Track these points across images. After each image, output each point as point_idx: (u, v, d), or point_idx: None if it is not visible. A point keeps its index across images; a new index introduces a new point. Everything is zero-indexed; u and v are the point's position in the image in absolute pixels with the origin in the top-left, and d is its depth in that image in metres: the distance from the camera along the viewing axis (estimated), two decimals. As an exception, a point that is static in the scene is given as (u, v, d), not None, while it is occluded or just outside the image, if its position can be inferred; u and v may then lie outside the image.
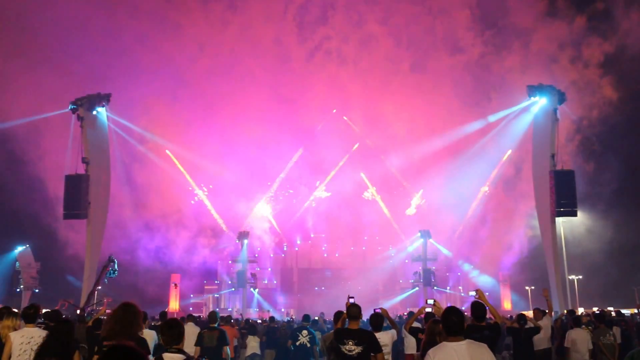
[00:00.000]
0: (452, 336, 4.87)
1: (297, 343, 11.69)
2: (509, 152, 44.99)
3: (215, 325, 10.36)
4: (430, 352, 4.88)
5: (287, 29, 51.57)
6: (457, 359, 4.72)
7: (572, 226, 40.69)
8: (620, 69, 43.17)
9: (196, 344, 9.79)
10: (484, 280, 44.93)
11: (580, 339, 11.08)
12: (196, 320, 14.51)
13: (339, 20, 52.14)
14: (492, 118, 42.58)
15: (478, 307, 7.59)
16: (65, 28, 42.29)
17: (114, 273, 28.30)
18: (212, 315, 10.71)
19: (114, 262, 28.29)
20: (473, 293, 8.14)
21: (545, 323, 12.81)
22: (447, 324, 4.94)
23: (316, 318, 15.73)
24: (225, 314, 29.57)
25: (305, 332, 11.75)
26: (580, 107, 40.89)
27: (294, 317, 33.25)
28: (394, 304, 44.34)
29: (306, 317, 13.09)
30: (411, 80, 50.55)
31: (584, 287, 43.05)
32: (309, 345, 11.60)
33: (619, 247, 42.29)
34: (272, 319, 17.23)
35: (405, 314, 26.08)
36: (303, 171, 54.49)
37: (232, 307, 46.15)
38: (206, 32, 48.83)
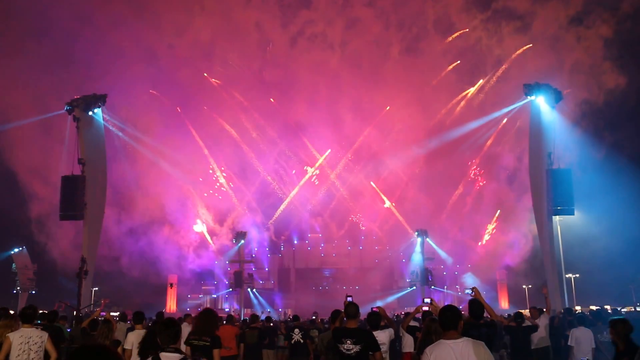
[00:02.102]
0: (448, 331, 4.91)
1: (292, 341, 12.47)
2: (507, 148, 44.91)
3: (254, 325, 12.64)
4: (427, 349, 4.90)
5: (269, 13, 49.80)
6: (454, 356, 4.73)
7: (569, 224, 40.61)
8: (625, 50, 41.93)
9: (240, 342, 11.12)
10: (484, 277, 44.88)
11: (584, 337, 11.08)
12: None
13: (323, 2, 50.42)
14: (489, 117, 42.62)
15: (475, 305, 7.62)
16: (38, 21, 41.35)
17: (85, 274, 28.42)
18: (254, 317, 13.04)
19: (86, 262, 28.41)
20: (469, 291, 8.17)
21: (543, 321, 12.84)
22: (443, 320, 5.01)
23: (313, 318, 16.61)
24: (223, 315, 29.64)
25: (297, 330, 12.61)
26: (585, 90, 40.36)
27: (291, 317, 33.29)
28: (391, 303, 44.37)
29: (295, 317, 14.76)
30: (402, 65, 49.30)
31: (581, 285, 43.03)
32: (302, 341, 12.40)
33: (617, 244, 42.25)
34: (268, 318, 17.26)
35: (403, 313, 26.11)
36: (291, 164, 53.80)
37: (229, 307, 46.15)
38: (184, 17, 46.87)
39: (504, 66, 46.93)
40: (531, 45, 44.23)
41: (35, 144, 40.52)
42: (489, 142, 46.92)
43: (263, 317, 22.40)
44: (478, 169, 48.70)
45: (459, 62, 48.70)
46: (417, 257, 44.05)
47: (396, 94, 48.01)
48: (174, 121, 46.18)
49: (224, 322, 16.94)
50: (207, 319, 7.60)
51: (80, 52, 42.14)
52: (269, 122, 49.81)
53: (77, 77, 40.22)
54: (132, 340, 8.91)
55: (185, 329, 13.59)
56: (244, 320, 19.59)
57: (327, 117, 49.35)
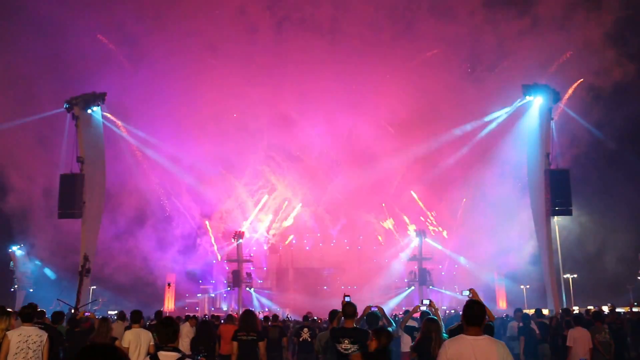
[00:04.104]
0: (472, 327, 4.82)
1: (300, 339, 13.27)
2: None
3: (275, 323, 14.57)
4: (446, 343, 4.86)
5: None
6: (474, 352, 4.67)
7: (567, 224, 40.48)
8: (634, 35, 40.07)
9: (263, 337, 12.22)
10: (482, 278, 44.74)
11: (581, 337, 11.09)
12: (195, 322, 14.74)
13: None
14: (487, 117, 42.45)
15: (473, 305, 7.59)
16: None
17: (87, 273, 28.44)
18: (275, 316, 15.40)
19: (89, 261, 28.42)
20: (467, 293, 8.17)
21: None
22: (469, 314, 4.90)
23: (315, 318, 17.53)
24: (219, 314, 29.66)
25: (306, 329, 13.43)
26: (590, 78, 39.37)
27: (289, 316, 33.29)
28: (389, 303, 44.31)
29: (305, 317, 15.78)
30: (395, 51, 46.97)
31: (579, 285, 42.95)
32: (309, 340, 13.01)
33: (614, 244, 42.21)
34: (266, 318, 17.45)
35: (401, 313, 26.12)
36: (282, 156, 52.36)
37: (227, 306, 46.15)
38: (164, 1, 44.84)
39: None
40: (582, 80, 41.56)
41: (27, 142, 40.33)
42: (489, 140, 46.45)
43: (261, 316, 22.58)
44: (477, 166, 48.28)
45: (455, 49, 46.40)
46: (415, 258, 44.05)
47: (390, 85, 46.51)
48: (156, 111, 44.00)
49: (222, 321, 17.08)
50: (250, 317, 9.39)
51: (56, 36, 40.80)
52: (256, 112, 48.48)
53: (58, 67, 39.65)
54: (130, 338, 8.92)
55: (186, 328, 13.72)
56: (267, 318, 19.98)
57: (318, 107, 48.00)
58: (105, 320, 9.46)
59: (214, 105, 45.37)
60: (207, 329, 13.59)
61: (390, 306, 41.91)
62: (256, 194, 52.35)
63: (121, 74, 41.69)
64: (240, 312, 32.18)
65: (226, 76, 45.20)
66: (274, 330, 13.82)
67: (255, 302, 45.94)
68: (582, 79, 41.19)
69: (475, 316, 4.86)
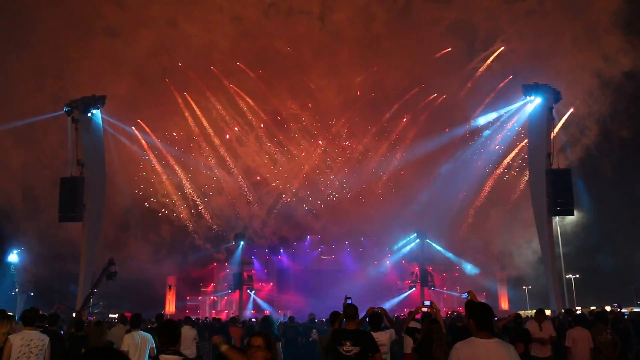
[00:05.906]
0: (483, 330, 4.86)
1: (310, 339, 14.25)
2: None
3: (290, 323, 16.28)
4: (458, 345, 4.89)
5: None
6: (487, 355, 4.73)
7: (569, 224, 40.29)
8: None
9: (282, 336, 13.34)
10: (483, 279, 44.66)
11: (581, 338, 11.03)
12: (193, 323, 14.70)
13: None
14: (486, 118, 42.45)
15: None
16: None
17: (113, 276, 28.40)
18: (291, 318, 17.08)
19: (115, 264, 28.38)
20: (465, 295, 8.18)
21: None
22: (480, 319, 4.92)
23: (318, 319, 18.33)
24: (222, 316, 29.61)
25: (315, 330, 14.64)
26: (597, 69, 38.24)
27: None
28: (391, 304, 44.24)
29: (311, 319, 17.11)
30: (390, 37, 45.07)
31: (581, 286, 42.81)
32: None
33: (616, 244, 42.06)
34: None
35: (405, 314, 26.12)
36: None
37: (228, 309, 46.07)
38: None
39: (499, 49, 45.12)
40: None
41: (38, 144, 40.24)
42: (489, 138, 46.33)
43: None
44: (480, 166, 48.09)
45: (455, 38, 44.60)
46: (416, 259, 43.99)
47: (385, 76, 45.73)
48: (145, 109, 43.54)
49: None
50: (269, 322, 10.92)
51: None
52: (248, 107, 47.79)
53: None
54: (129, 342, 8.88)
55: (186, 331, 13.63)
56: (243, 322, 19.97)
57: (311, 101, 47.47)
58: (99, 324, 9.43)
59: (204, 101, 45.21)
60: (225, 330, 15.09)
61: (391, 308, 41.89)
62: (250, 191, 52.24)
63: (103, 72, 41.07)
64: (236, 315, 32.23)
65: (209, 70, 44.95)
66: (291, 330, 15.20)
67: (251, 305, 45.85)
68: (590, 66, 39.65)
69: (486, 321, 4.91)
